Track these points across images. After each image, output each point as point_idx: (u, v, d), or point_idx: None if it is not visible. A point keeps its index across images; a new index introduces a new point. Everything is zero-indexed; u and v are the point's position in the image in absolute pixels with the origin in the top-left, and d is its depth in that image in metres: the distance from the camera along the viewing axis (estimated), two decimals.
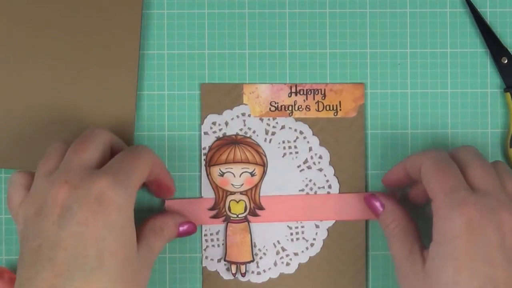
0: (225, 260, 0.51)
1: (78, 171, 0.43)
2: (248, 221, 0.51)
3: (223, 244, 0.52)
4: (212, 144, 0.51)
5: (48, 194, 0.42)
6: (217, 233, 0.52)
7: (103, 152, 0.45)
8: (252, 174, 0.51)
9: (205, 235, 0.52)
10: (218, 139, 0.52)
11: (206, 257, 0.52)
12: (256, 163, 0.51)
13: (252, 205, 0.51)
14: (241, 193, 0.51)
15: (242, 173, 0.51)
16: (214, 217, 0.51)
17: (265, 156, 0.52)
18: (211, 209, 0.51)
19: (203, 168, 0.51)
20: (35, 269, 0.41)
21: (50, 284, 0.40)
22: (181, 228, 0.49)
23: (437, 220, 0.43)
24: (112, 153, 0.46)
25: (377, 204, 0.49)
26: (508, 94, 0.52)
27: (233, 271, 0.51)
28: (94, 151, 0.44)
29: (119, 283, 0.41)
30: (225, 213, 0.51)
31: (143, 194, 0.51)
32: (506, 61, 0.52)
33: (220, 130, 0.52)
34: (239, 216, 0.51)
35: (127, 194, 0.42)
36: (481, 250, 0.42)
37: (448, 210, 0.43)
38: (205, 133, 0.52)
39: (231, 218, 0.51)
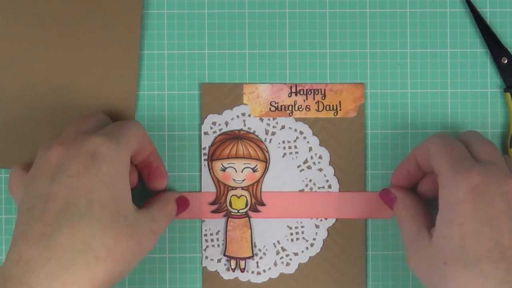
0: (224, 255, 0.51)
1: (73, 135, 0.44)
2: (249, 217, 0.51)
3: (223, 244, 0.52)
4: (215, 139, 0.52)
5: (43, 157, 0.43)
6: (217, 233, 0.52)
7: (100, 126, 0.46)
8: (254, 170, 0.51)
9: (205, 235, 0.52)
10: (221, 134, 0.52)
11: (206, 257, 0.52)
12: (258, 159, 0.52)
13: (253, 200, 0.51)
14: (242, 188, 0.52)
15: (244, 168, 0.51)
16: (215, 211, 0.51)
17: (268, 152, 0.52)
18: (212, 203, 0.51)
19: (205, 162, 0.51)
20: (27, 223, 0.41)
21: (40, 233, 0.40)
22: (178, 203, 0.50)
23: (442, 188, 0.44)
24: None
25: (391, 196, 0.49)
26: (508, 94, 0.52)
27: (233, 266, 0.51)
28: (91, 123, 0.46)
29: (110, 231, 0.42)
30: (226, 208, 0.51)
31: (143, 194, 0.51)
32: (506, 61, 0.52)
33: (220, 130, 0.52)
34: (240, 211, 0.51)
35: (119, 149, 0.43)
36: (488, 215, 0.42)
37: (453, 177, 0.43)
38: (205, 133, 0.52)
39: (232, 213, 0.51)
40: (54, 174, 0.42)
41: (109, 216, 0.42)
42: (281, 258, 0.52)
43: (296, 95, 0.52)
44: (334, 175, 0.52)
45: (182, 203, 0.50)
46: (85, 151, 0.42)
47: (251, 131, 0.52)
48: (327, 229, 0.52)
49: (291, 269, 0.52)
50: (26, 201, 0.43)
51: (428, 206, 0.48)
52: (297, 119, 0.52)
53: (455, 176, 0.43)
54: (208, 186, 0.52)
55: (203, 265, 0.52)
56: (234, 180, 0.52)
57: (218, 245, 0.52)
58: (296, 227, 0.52)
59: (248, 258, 0.52)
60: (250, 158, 0.52)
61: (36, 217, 0.41)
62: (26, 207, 0.42)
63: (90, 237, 0.41)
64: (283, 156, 0.52)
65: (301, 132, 0.52)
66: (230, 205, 0.52)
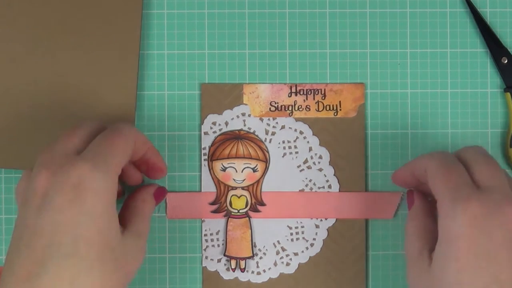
0: (225, 255, 0.51)
1: (59, 158, 0.43)
2: (249, 217, 0.52)
3: (223, 244, 0.52)
4: (215, 139, 0.52)
5: (32, 182, 0.43)
6: (217, 233, 0.52)
7: (90, 138, 0.45)
8: (254, 170, 0.52)
9: (205, 235, 0.52)
10: (221, 133, 0.52)
11: (206, 257, 0.52)
12: (258, 159, 0.52)
13: (254, 200, 0.52)
14: (242, 188, 0.52)
15: (244, 168, 0.51)
16: (215, 211, 0.51)
17: (268, 152, 0.52)
18: (212, 203, 0.51)
19: (205, 162, 0.51)
20: (17, 255, 0.41)
21: (27, 271, 0.40)
22: (156, 196, 0.49)
23: (441, 219, 0.43)
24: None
25: (411, 199, 0.49)
26: (508, 94, 0.52)
27: (233, 266, 0.51)
28: (80, 137, 0.45)
29: (96, 270, 0.41)
30: (226, 208, 0.51)
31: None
32: (506, 61, 0.52)
33: (220, 130, 0.52)
34: (240, 211, 0.52)
35: (106, 179, 0.42)
36: (485, 248, 0.41)
37: (451, 208, 0.42)
38: (205, 133, 0.52)
39: (232, 213, 0.52)
40: (41, 205, 0.42)
41: (96, 252, 0.41)
42: (281, 258, 0.52)
43: (296, 95, 0.52)
44: (334, 175, 0.52)
45: (159, 195, 0.50)
46: (70, 182, 0.41)
47: (251, 131, 0.52)
48: (327, 229, 0.52)
49: (291, 269, 0.52)
50: (16, 228, 0.43)
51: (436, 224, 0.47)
52: (297, 119, 0.52)
53: (454, 208, 0.42)
54: (208, 186, 0.52)
55: (203, 265, 0.52)
56: (234, 180, 0.52)
57: (218, 245, 0.52)
58: (296, 227, 0.52)
59: (248, 258, 0.52)
60: (250, 158, 0.52)
61: (24, 252, 0.41)
62: (17, 235, 0.42)
63: (76, 277, 0.40)
64: (283, 156, 0.52)
65: (301, 132, 0.52)
66: (230, 205, 0.52)
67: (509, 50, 0.52)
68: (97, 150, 0.43)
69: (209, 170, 0.52)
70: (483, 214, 0.41)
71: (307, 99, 0.52)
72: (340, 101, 0.52)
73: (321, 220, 0.52)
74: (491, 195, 0.42)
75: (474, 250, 0.41)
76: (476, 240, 0.41)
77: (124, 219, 0.46)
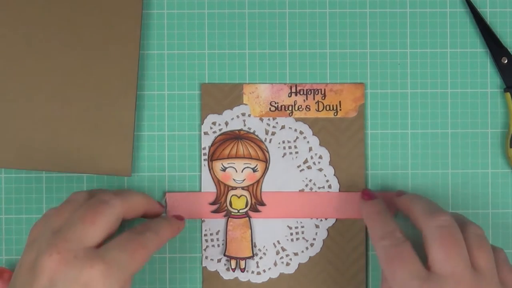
0: (225, 255, 0.51)
1: (75, 246, 0.42)
2: (249, 217, 0.52)
3: (223, 244, 0.52)
4: (215, 139, 0.52)
5: (41, 258, 0.42)
6: (217, 233, 0.52)
7: (111, 228, 0.44)
8: (254, 170, 0.52)
9: (205, 235, 0.52)
10: (221, 134, 0.52)
11: (206, 257, 0.52)
12: (258, 159, 0.52)
13: (254, 200, 0.52)
14: (242, 188, 0.52)
15: (244, 168, 0.51)
16: (215, 211, 0.51)
17: (268, 152, 0.52)
18: (212, 203, 0.51)
19: (205, 162, 0.51)
20: None
21: None
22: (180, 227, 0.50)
23: None
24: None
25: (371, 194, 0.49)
26: (508, 94, 0.52)
27: (233, 266, 0.51)
28: (101, 226, 0.44)
29: None
30: (226, 208, 0.51)
31: (144, 186, 0.51)
32: (506, 61, 0.52)
33: (220, 130, 0.52)
34: (240, 211, 0.51)
35: (115, 285, 0.42)
36: None
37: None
38: (205, 133, 0.52)
39: (232, 213, 0.51)
40: None
41: None
42: (281, 258, 0.52)
43: (296, 95, 0.52)
44: (334, 175, 0.52)
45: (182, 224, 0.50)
46: (81, 281, 0.41)
47: (251, 131, 0.52)
48: (327, 229, 0.52)
49: (291, 269, 0.52)
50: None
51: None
52: (297, 119, 0.52)
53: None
54: (208, 186, 0.52)
55: (203, 265, 0.52)
56: (234, 180, 0.52)
57: (218, 245, 0.52)
58: (296, 227, 0.52)
59: (248, 258, 0.52)
60: (250, 158, 0.52)
61: None
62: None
63: None
64: (283, 156, 0.52)
65: (301, 132, 0.52)
66: (230, 205, 0.52)
67: (509, 50, 0.52)
68: (115, 255, 0.43)
69: (209, 170, 0.52)
70: None
71: (307, 99, 0.52)
72: (340, 101, 0.52)
73: (321, 220, 0.52)
74: (440, 286, 0.41)
75: None
76: None
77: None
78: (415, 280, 0.42)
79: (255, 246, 0.52)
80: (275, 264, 0.52)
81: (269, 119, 0.52)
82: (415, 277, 0.42)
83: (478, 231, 0.45)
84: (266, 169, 0.52)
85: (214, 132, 0.52)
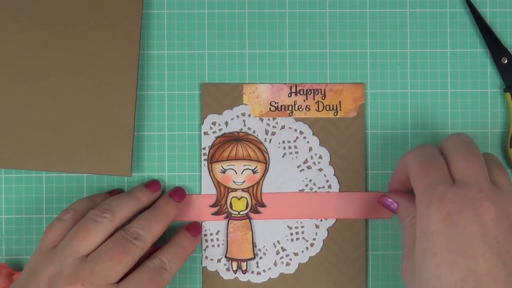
0: (226, 257, 0.51)
1: (100, 282, 0.44)
2: (250, 218, 0.51)
3: (223, 244, 0.52)
4: (215, 141, 0.52)
5: (64, 285, 0.44)
6: (217, 233, 0.52)
7: (134, 264, 0.46)
8: (254, 171, 0.51)
9: (205, 235, 0.52)
10: (221, 135, 0.52)
11: (206, 257, 0.52)
12: (258, 160, 0.52)
13: (254, 202, 0.51)
14: (242, 190, 0.52)
15: (244, 170, 0.51)
16: (216, 214, 0.51)
17: (267, 153, 0.52)
18: (213, 205, 0.51)
19: (204, 164, 0.51)
20: None
21: None
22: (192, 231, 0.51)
23: (418, 218, 0.43)
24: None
25: (389, 201, 0.49)
26: (508, 94, 0.52)
27: (234, 268, 0.51)
28: (127, 265, 0.45)
29: None
30: (226, 210, 0.51)
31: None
32: (506, 61, 0.52)
33: (220, 130, 0.52)
34: (241, 213, 0.51)
35: None
36: (461, 243, 0.41)
37: (426, 207, 0.43)
38: (205, 133, 0.52)
39: (233, 215, 0.51)
40: None
41: None
42: (281, 258, 0.52)
43: (296, 95, 0.52)
44: (334, 175, 0.52)
45: (196, 231, 0.51)
46: None
47: (251, 131, 0.52)
48: (327, 229, 0.52)
49: (291, 269, 0.52)
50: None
51: None
52: (297, 119, 0.52)
53: (428, 206, 0.42)
54: (208, 188, 0.51)
55: (203, 265, 0.52)
56: (234, 182, 0.52)
57: (218, 245, 0.52)
58: (296, 227, 0.52)
59: (250, 259, 0.51)
60: (250, 159, 0.52)
61: None
62: None
63: None
64: (283, 156, 0.52)
65: (301, 132, 0.52)
66: (231, 207, 0.51)
67: (509, 50, 0.52)
68: (101, 266, 0.45)
69: (209, 172, 0.51)
70: (457, 210, 0.42)
71: (307, 99, 0.52)
72: (340, 101, 0.52)
73: (321, 220, 0.52)
74: (465, 191, 0.42)
75: (450, 245, 0.41)
76: (451, 236, 0.41)
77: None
78: (442, 185, 0.43)
79: (255, 246, 0.52)
80: (275, 264, 0.52)
81: (269, 119, 0.52)
82: (443, 182, 0.43)
83: (496, 157, 0.46)
84: (266, 170, 0.52)
85: (214, 132, 0.52)
